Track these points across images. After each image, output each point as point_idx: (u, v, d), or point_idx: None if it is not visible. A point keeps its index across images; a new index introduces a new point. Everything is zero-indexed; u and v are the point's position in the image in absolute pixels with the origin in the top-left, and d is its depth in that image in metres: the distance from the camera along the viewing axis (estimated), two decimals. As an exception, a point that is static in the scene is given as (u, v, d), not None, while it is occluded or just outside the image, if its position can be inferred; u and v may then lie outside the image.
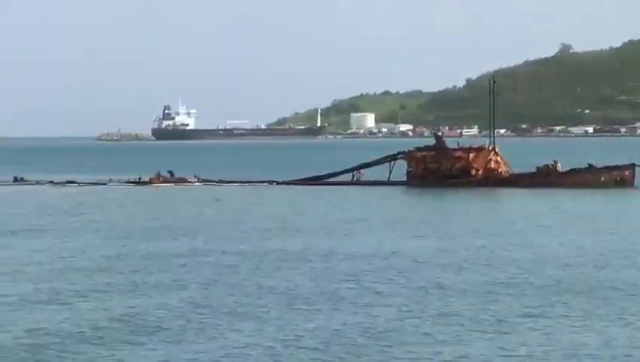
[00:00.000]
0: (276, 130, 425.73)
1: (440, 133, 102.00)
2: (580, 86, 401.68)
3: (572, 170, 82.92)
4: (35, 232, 48.35)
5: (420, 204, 72.41)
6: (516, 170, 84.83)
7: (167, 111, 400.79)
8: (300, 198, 72.82)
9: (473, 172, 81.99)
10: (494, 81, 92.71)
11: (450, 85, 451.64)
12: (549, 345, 21.39)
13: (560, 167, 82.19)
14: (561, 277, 31.29)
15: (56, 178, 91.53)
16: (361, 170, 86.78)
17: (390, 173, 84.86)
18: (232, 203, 70.33)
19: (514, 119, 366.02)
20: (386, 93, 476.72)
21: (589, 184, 77.94)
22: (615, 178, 79.34)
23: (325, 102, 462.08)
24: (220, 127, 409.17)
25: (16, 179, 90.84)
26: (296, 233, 47.42)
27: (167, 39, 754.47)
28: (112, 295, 28.67)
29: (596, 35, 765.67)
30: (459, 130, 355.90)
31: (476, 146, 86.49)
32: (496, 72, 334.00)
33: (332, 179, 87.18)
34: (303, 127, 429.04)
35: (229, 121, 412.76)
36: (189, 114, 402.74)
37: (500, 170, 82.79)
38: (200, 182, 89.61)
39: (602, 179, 79.56)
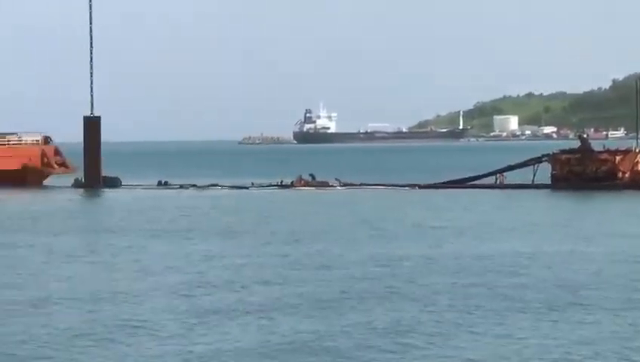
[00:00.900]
0: (418, 133, 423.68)
1: (585, 136, 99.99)
2: None
3: None
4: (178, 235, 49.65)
5: (564, 208, 71.35)
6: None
7: (308, 114, 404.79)
8: (442, 202, 72.64)
9: (619, 175, 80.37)
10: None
11: (595, 86, 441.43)
12: None
13: None
14: None
15: (200, 182, 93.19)
16: (504, 173, 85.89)
17: (534, 176, 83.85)
18: (369, 205, 70.64)
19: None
20: (530, 95, 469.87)
21: None
22: None
23: (467, 105, 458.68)
24: (361, 131, 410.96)
25: (160, 183, 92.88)
26: (437, 236, 47.49)
27: (309, 42, 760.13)
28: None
29: None
30: (604, 133, 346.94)
31: (623, 149, 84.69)
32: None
33: (475, 183, 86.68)
34: (444, 129, 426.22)
35: (370, 124, 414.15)
36: (330, 117, 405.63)
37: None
38: (341, 185, 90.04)
39: None
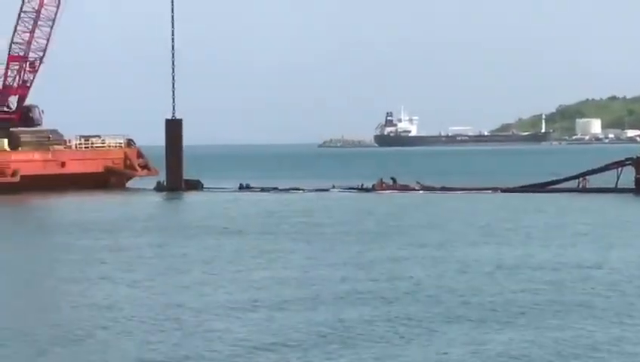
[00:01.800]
0: (499, 136, 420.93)
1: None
2: None
3: None
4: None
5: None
6: None
7: (389, 117, 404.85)
8: (523, 205, 72.10)
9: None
10: None
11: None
12: None
13: None
14: None
15: (281, 185, 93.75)
16: (587, 177, 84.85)
17: (617, 179, 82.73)
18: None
19: None
20: (613, 98, 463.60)
21: None
22: None
23: (550, 108, 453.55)
24: (442, 134, 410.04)
25: (241, 187, 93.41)
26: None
27: (391, 44, 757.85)
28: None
29: None
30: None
31: None
32: None
33: (557, 186, 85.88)
34: (526, 133, 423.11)
35: (451, 128, 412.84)
36: (411, 120, 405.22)
37: None
38: (422, 189, 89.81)
39: None
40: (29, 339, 23.52)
